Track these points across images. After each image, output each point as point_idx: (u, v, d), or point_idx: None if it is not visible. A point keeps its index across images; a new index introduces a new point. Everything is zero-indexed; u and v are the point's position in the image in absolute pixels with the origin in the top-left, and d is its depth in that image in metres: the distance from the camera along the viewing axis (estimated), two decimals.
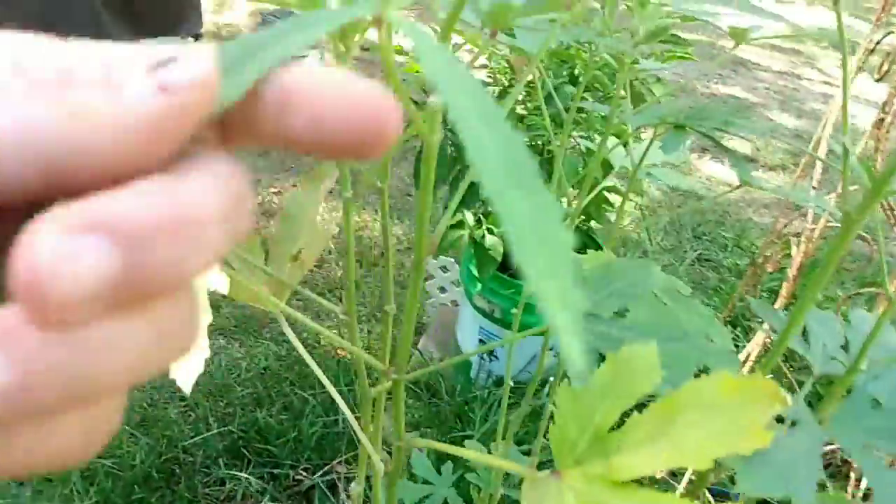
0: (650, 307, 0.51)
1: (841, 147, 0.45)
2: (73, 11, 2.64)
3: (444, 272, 1.77)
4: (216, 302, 1.63)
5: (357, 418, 0.50)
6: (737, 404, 0.28)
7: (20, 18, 2.73)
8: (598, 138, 1.38)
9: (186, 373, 0.23)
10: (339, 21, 0.16)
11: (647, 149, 0.68)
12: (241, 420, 1.40)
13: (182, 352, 0.16)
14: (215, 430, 1.36)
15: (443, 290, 1.80)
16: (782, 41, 4.75)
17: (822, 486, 1.20)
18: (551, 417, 0.31)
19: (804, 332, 0.64)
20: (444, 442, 1.27)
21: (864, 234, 1.19)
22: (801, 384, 1.34)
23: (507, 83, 1.47)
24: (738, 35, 0.67)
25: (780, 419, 0.42)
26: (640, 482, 0.29)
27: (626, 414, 0.31)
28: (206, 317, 0.24)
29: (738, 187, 0.68)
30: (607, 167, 1.38)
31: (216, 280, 0.26)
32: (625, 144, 0.83)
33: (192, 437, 1.35)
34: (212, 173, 0.15)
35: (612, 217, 2.31)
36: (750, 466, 0.33)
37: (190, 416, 1.42)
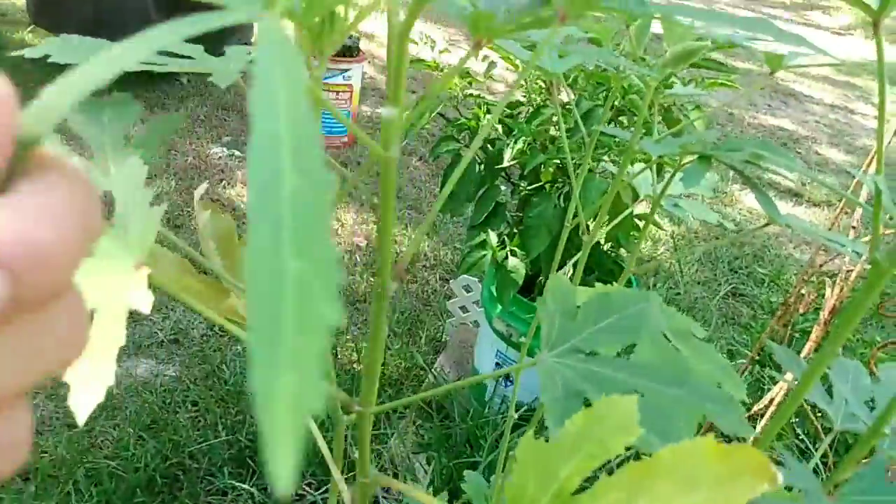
0: (655, 347, 0.47)
1: (873, 186, 0.41)
2: (126, 18, 2.71)
3: (467, 291, 1.74)
4: None
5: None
6: (719, 477, 0.25)
7: (75, 24, 2.81)
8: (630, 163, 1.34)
9: (84, 400, 0.21)
10: (201, 26, 0.13)
11: (670, 179, 0.64)
12: (250, 429, 1.38)
13: (73, 355, 0.16)
14: (223, 438, 1.35)
15: (464, 309, 1.76)
16: (836, 73, 4.62)
17: None
18: (510, 471, 0.28)
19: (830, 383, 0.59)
20: (452, 467, 1.22)
21: None
22: (827, 431, 1.26)
23: (540, 103, 1.43)
24: (774, 62, 0.63)
25: (788, 487, 0.38)
26: None
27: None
28: (118, 339, 0.22)
29: (765, 225, 0.63)
30: (636, 194, 1.33)
31: (139, 299, 0.23)
32: (653, 169, 0.79)
33: (199, 443, 1.33)
34: (55, 186, 0.14)
35: (644, 245, 2.25)
36: None
37: (199, 421, 1.41)
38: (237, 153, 2.49)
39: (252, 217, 0.10)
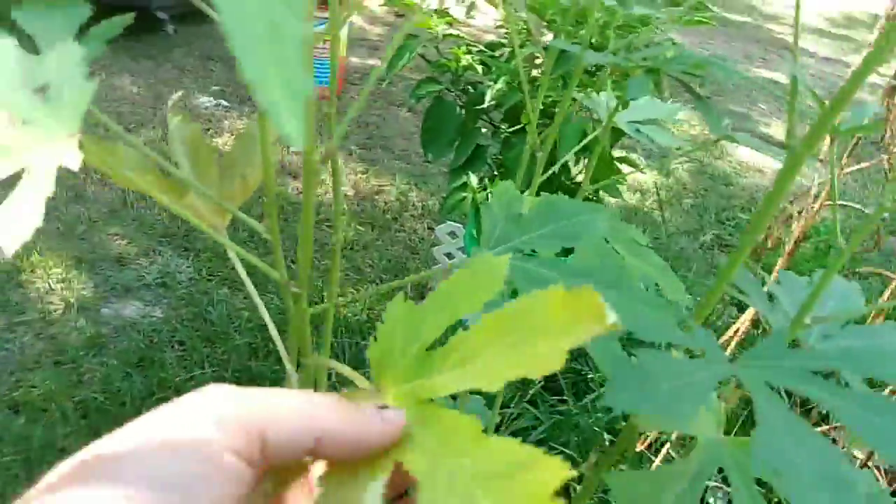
0: (594, 251, 0.48)
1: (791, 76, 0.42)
2: None
3: (452, 238, 1.76)
4: (222, 252, 1.64)
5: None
6: (564, 323, 0.25)
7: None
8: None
9: (11, 236, 0.22)
10: None
11: (622, 100, 0.65)
12: (236, 367, 1.41)
13: None
14: (210, 373, 1.38)
15: (449, 255, 1.78)
16: (832, 27, 4.58)
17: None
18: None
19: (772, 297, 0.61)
20: None
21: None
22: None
23: (520, 44, 1.43)
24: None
25: (691, 354, 0.40)
26: None
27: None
28: (47, 190, 0.23)
29: (717, 141, 0.65)
30: (616, 134, 1.34)
31: (69, 158, 0.25)
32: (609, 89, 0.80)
33: (185, 379, 1.37)
34: None
35: (632, 197, 2.26)
36: (621, 381, 0.31)
37: (186, 359, 1.44)
38: (224, 103, 2.49)
39: None
